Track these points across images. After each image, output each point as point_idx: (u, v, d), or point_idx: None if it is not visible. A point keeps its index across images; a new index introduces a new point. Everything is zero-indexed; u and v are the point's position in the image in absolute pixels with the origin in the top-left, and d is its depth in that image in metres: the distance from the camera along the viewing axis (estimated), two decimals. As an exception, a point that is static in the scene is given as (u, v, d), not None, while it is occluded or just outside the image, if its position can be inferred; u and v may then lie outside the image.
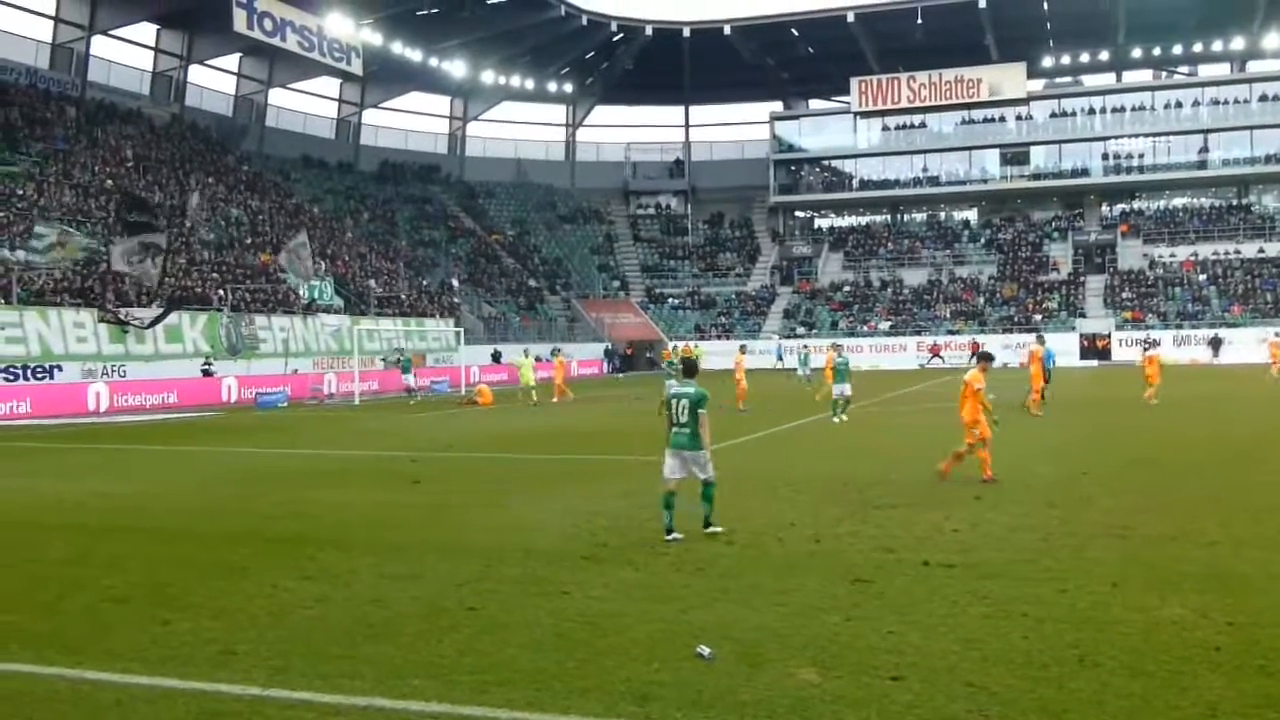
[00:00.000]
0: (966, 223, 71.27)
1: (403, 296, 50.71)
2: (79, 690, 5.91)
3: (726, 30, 66.49)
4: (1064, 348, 41.10)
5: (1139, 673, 5.82)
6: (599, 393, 39.14)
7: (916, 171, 70.95)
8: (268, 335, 39.44)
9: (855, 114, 70.33)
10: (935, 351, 56.14)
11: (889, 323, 61.64)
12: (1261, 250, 59.96)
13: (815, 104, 76.71)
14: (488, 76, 66.73)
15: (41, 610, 7.72)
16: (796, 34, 67.66)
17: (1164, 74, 69.63)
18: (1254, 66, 66.25)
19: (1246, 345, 50.24)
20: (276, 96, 62.97)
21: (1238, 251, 60.75)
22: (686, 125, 78.23)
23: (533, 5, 60.43)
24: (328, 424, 26.68)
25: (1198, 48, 66.05)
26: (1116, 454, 16.25)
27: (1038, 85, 69.80)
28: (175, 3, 51.82)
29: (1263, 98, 63.87)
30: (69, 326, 32.63)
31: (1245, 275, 58.83)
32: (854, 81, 68.68)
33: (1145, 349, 32.39)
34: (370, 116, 69.47)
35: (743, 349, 30.18)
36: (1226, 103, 64.71)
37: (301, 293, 43.50)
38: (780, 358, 55.75)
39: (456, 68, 63.31)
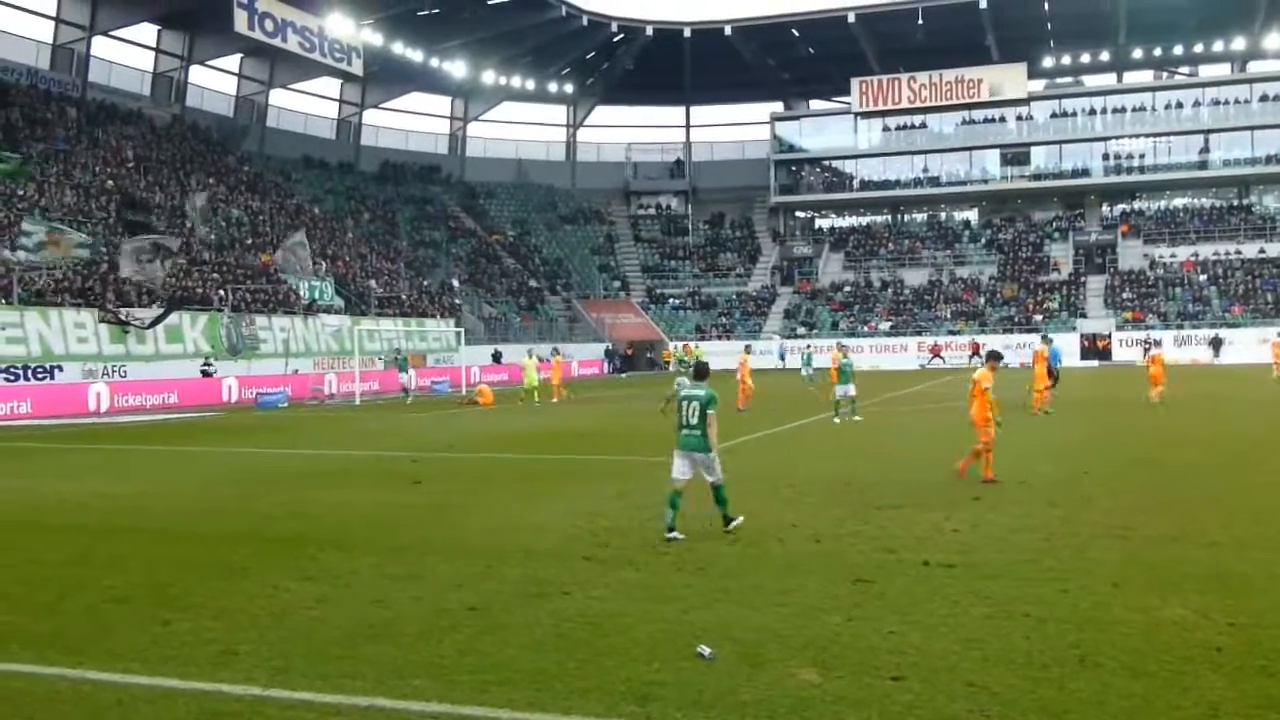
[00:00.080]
0: (967, 223, 71.28)
1: (403, 297, 50.73)
2: (80, 690, 5.91)
3: (727, 30, 66.50)
4: (1064, 348, 41.02)
5: (1140, 673, 5.81)
6: (599, 393, 39.13)
7: (917, 172, 70.96)
8: (268, 335, 39.44)
9: (856, 114, 70.33)
10: (936, 352, 56.14)
11: (889, 323, 61.64)
12: (1262, 251, 59.95)
13: (816, 104, 76.72)
14: (488, 77, 66.76)
15: (42, 610, 7.72)
16: (797, 34, 67.67)
17: (1165, 74, 69.62)
18: (1255, 67, 66.24)
19: (1247, 345, 50.23)
20: (277, 97, 63.02)
21: (1238, 252, 60.75)
22: (687, 125, 78.27)
23: (533, 6, 60.44)
24: (328, 424, 26.69)
25: (1198, 48, 66.05)
26: (1117, 454, 16.25)
27: (1038, 85, 69.81)
28: (176, 3, 51.83)
29: (1263, 98, 63.86)
30: (69, 327, 32.64)
31: (1246, 275, 58.82)
32: (855, 82, 68.69)
33: (1147, 349, 32.42)
34: (371, 117, 69.53)
35: (747, 349, 30.12)
36: (1227, 103, 64.70)
37: (302, 292, 43.52)
38: (782, 358, 55.80)
39: (457, 68, 63.34)
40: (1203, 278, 59.52)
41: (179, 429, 25.79)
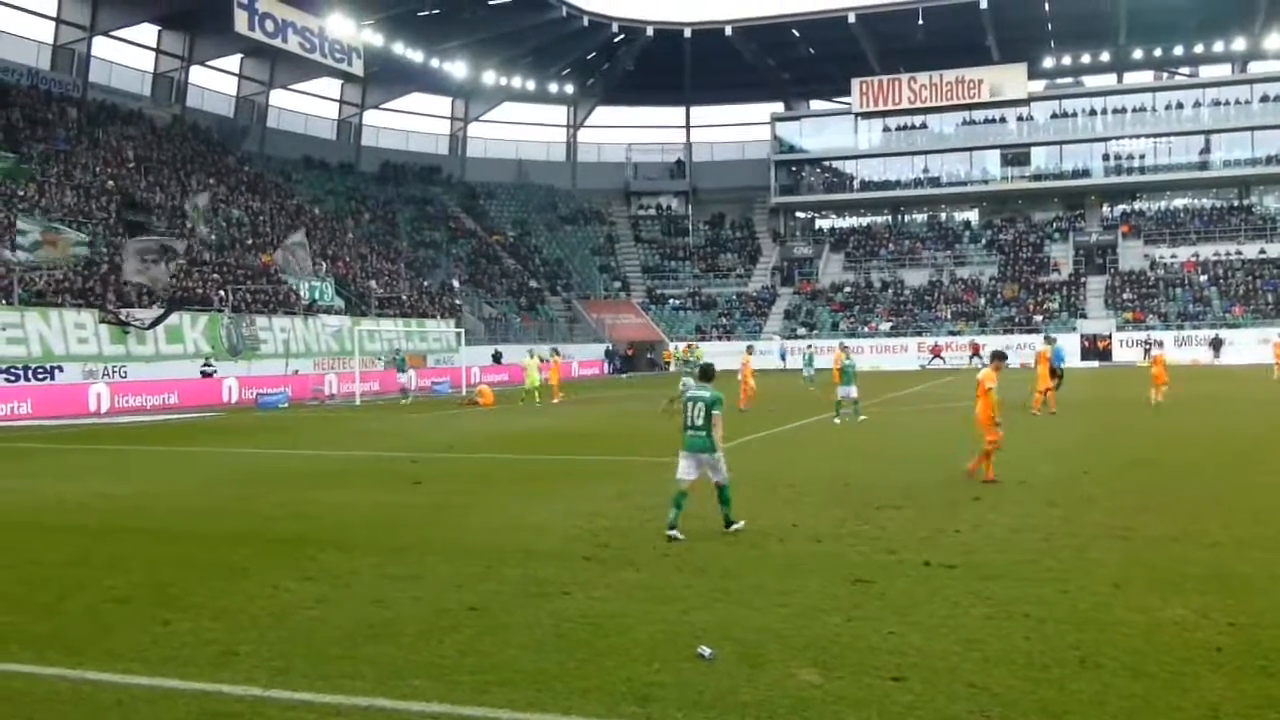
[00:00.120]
0: (967, 223, 71.28)
1: (403, 297, 50.73)
2: (80, 691, 5.91)
3: (727, 31, 66.50)
4: (1065, 348, 40.96)
5: (1141, 674, 5.81)
6: (600, 394, 39.12)
7: (917, 172, 70.96)
8: (268, 336, 39.44)
9: (856, 115, 70.33)
10: (936, 352, 56.13)
11: (890, 324, 61.63)
12: (1263, 251, 59.94)
13: (816, 105, 76.71)
14: (489, 77, 66.77)
15: (42, 611, 7.72)
16: (797, 35, 67.66)
17: (1165, 75, 69.62)
18: (1255, 67, 66.22)
19: (1248, 346, 50.21)
20: (277, 97, 63.03)
21: (1239, 252, 60.74)
22: (687, 126, 78.27)
23: (534, 6, 60.44)
24: (328, 425, 26.69)
25: (1199, 49, 66.02)
26: (1118, 454, 16.25)
27: (1039, 86, 69.80)
28: (176, 4, 51.82)
29: (1264, 99, 63.86)
30: (70, 327, 32.64)
31: (1246, 276, 58.81)
32: (855, 82, 68.68)
33: (1147, 349, 32.43)
34: (371, 117, 69.54)
35: (750, 350, 30.06)
36: (1227, 103, 64.71)
37: (302, 293, 43.52)
38: (783, 358, 55.79)
39: (457, 69, 63.33)
40: (1203, 278, 59.51)
41: (179, 429, 25.79)
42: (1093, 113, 67.81)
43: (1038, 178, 68.72)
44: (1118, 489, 12.51)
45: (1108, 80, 69.87)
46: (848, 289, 66.90)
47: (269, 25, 51.00)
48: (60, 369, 31.75)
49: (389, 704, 5.56)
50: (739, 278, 70.98)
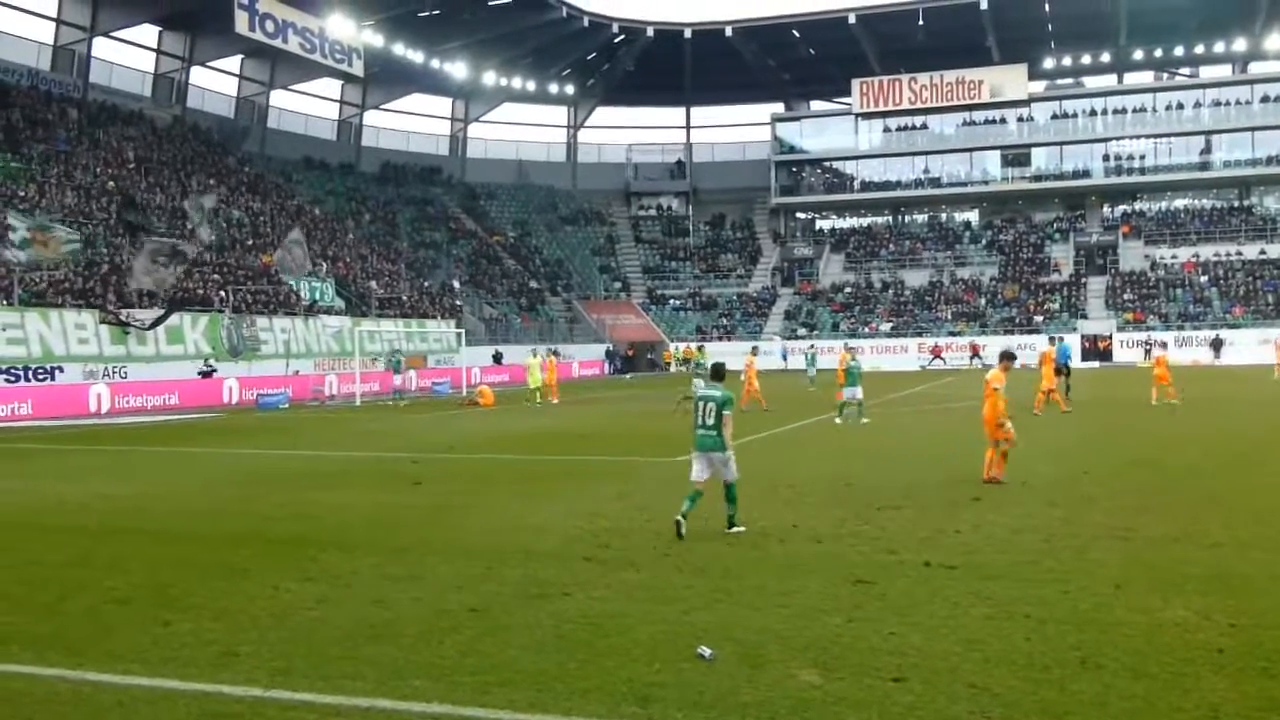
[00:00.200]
0: (968, 224, 71.29)
1: (404, 298, 50.74)
2: (80, 691, 5.91)
3: (728, 31, 66.52)
4: (1070, 347, 41.13)
5: (1141, 674, 5.81)
6: (600, 394, 39.12)
7: (918, 173, 70.97)
8: (269, 337, 39.45)
9: (856, 115, 70.35)
10: (937, 353, 56.14)
11: (890, 324, 61.64)
12: (1263, 252, 59.94)
13: (816, 105, 76.73)
14: (489, 78, 66.77)
15: (43, 611, 7.71)
16: (798, 35, 67.68)
17: (1165, 75, 69.63)
18: (1256, 68, 66.22)
19: (1248, 346, 50.22)
20: (278, 98, 63.04)
21: (1239, 253, 60.74)
22: (688, 126, 78.29)
23: (534, 7, 60.45)
24: (329, 425, 26.69)
25: (1199, 49, 66.03)
26: (1118, 454, 16.25)
27: (1039, 86, 69.82)
28: (177, 4, 51.83)
29: (1264, 99, 63.89)
30: (70, 328, 32.64)
31: (1247, 277, 58.82)
32: (855, 83, 68.70)
33: (1148, 350, 32.43)
34: (372, 118, 69.55)
35: (754, 351, 30.03)
36: (1228, 104, 64.73)
37: (303, 293, 43.52)
38: (784, 358, 55.84)
39: (458, 69, 63.34)
40: (1204, 279, 59.51)
41: (180, 430, 25.79)
42: (1093, 113, 67.83)
43: (1038, 178, 68.73)
44: (1118, 489, 12.50)
45: (1108, 81, 69.88)
46: (848, 289, 66.91)
47: (269, 26, 51.02)
48: (61, 369, 31.75)
49: (389, 704, 5.55)
50: (739, 278, 70.99)
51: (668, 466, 15.78)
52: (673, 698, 5.56)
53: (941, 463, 15.26)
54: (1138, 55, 67.60)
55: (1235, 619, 6.81)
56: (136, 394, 32.23)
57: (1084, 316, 58.96)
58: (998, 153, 69.29)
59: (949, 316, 61.47)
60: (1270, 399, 28.00)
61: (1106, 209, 68.08)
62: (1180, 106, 65.73)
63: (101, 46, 51.75)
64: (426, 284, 55.79)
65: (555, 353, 41.93)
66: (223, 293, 39.06)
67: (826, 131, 73.63)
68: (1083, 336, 56.05)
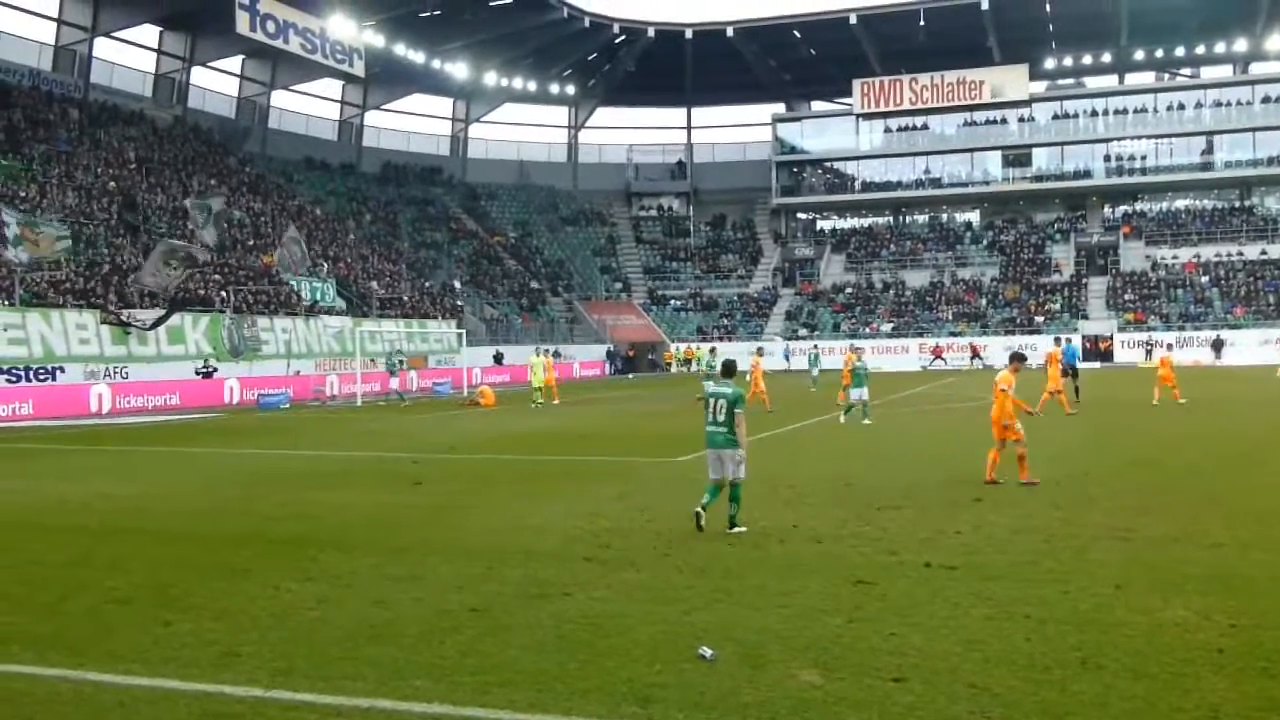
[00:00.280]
0: (969, 224, 71.28)
1: (405, 298, 50.76)
2: (81, 691, 5.91)
3: (729, 32, 66.53)
4: (1075, 347, 41.03)
5: (1142, 675, 5.81)
6: (601, 395, 39.12)
7: (918, 173, 70.96)
8: (270, 337, 39.47)
9: (857, 116, 70.37)
10: (937, 353, 56.14)
11: (891, 324, 61.64)
12: (1264, 252, 59.92)
13: (817, 106, 76.73)
14: (490, 78, 66.80)
15: (44, 611, 7.72)
16: (799, 36, 67.69)
17: (1166, 76, 69.63)
18: (1257, 68, 66.22)
19: (1249, 347, 50.20)
20: (279, 98, 63.05)
21: (1240, 253, 60.72)
22: (689, 127, 78.31)
23: (535, 7, 60.46)
24: (330, 425, 26.70)
25: (1200, 49, 66.03)
26: (1118, 455, 16.25)
27: (1040, 87, 69.82)
28: (178, 5, 51.85)
29: (1265, 99, 63.90)
30: (71, 328, 32.66)
31: (1248, 277, 58.81)
32: (856, 83, 68.72)
33: (1148, 350, 32.39)
34: (372, 118, 69.55)
35: (760, 351, 29.97)
36: (1229, 104, 64.73)
37: (304, 294, 43.53)
38: (787, 358, 55.86)
39: (459, 70, 63.36)
40: (1204, 279, 59.50)
41: (181, 430, 25.81)
42: (1094, 114, 67.82)
43: (1039, 179, 68.73)
44: (1119, 490, 12.50)
45: (1109, 81, 69.88)
46: (849, 290, 66.91)
47: (270, 26, 51.04)
48: (62, 370, 31.77)
49: (390, 705, 5.56)
50: (740, 279, 70.99)
51: (668, 467, 15.80)
52: (673, 698, 5.56)
53: (942, 463, 15.27)
54: (1139, 55, 67.61)
55: (1236, 619, 6.81)
56: (137, 394, 32.25)
57: (1085, 317, 58.95)
58: (999, 153, 69.29)
59: (950, 317, 61.47)
60: (1271, 399, 27.99)
61: (1107, 209, 68.07)
62: (1181, 107, 65.73)
63: (102, 47, 51.80)
64: (427, 284, 55.81)
65: (556, 353, 41.91)
66: (224, 293, 39.09)
67: (827, 132, 73.65)
68: (1084, 337, 55.96)
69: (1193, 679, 5.73)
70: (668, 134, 78.91)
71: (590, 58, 71.31)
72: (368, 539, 10.33)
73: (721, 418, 10.17)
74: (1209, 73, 68.64)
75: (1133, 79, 69.31)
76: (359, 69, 57.08)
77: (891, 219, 72.93)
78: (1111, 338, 56.14)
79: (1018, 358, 13.87)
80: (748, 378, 26.92)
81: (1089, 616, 6.98)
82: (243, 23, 49.40)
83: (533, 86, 70.40)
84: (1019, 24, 63.67)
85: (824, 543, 9.67)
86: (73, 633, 7.10)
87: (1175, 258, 61.79)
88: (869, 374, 23.05)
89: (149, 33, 54.44)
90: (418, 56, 60.39)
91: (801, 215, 74.71)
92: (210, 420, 29.09)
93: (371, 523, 11.34)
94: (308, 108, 65.70)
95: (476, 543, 10.08)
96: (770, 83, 72.79)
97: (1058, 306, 60.46)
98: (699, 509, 10.11)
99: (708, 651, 6.22)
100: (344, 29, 54.81)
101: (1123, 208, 67.74)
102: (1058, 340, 27.49)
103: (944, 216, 72.20)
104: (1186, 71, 69.46)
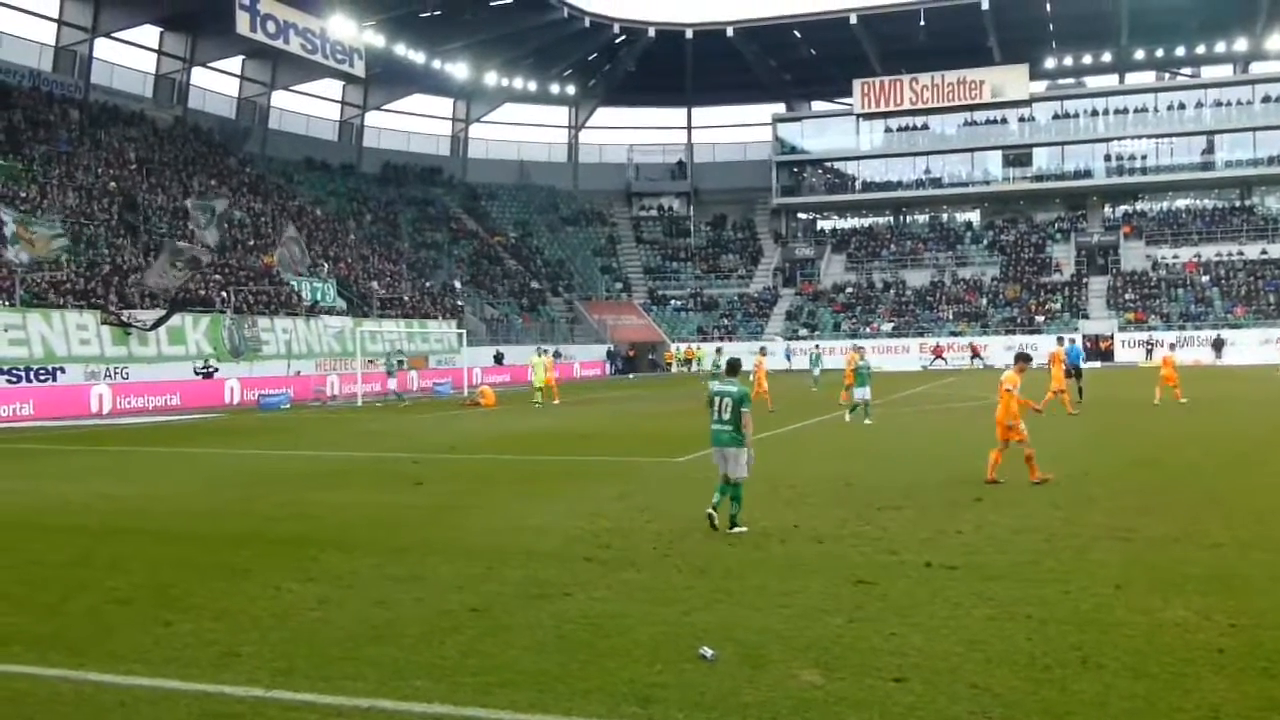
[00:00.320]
0: (969, 224, 71.28)
1: (405, 298, 50.77)
2: (81, 692, 5.91)
3: (729, 32, 66.53)
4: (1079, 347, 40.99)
5: (1142, 674, 5.81)
6: (602, 395, 39.12)
7: (919, 173, 70.96)
8: (270, 337, 39.47)
9: (858, 116, 70.36)
10: (938, 353, 56.14)
11: (891, 324, 61.64)
12: (1264, 252, 59.92)
13: (818, 106, 76.73)
14: (490, 78, 66.80)
15: (44, 611, 7.72)
16: (799, 36, 67.68)
17: (1167, 75, 69.62)
18: (1257, 68, 66.22)
19: (1249, 346, 50.19)
20: (279, 99, 63.05)
21: (1240, 253, 60.71)
22: (689, 127, 78.31)
23: (535, 7, 60.46)
24: (330, 425, 26.71)
25: (1201, 49, 66.03)
26: (1119, 455, 16.24)
27: (1040, 87, 69.82)
28: (178, 5, 51.85)
29: (1266, 99, 63.90)
30: (72, 328, 32.67)
31: (1248, 277, 58.80)
32: (856, 83, 68.72)
33: (1149, 350, 32.38)
34: (373, 118, 69.56)
35: (763, 351, 29.92)
36: (1230, 104, 64.72)
37: (304, 294, 43.53)
38: (788, 358, 55.84)
39: (459, 70, 63.36)
40: (1205, 279, 59.49)
41: (181, 430, 25.81)
42: (1094, 113, 67.82)
43: (1039, 178, 68.73)
44: (1119, 489, 12.50)
45: (1109, 81, 69.88)
46: (849, 290, 66.90)
47: (270, 27, 51.05)
48: (62, 370, 31.77)
49: (391, 705, 5.56)
50: (740, 279, 71.00)
51: (669, 467, 15.80)
52: (674, 698, 5.56)
53: (943, 463, 15.27)
54: (1139, 55, 67.60)
55: (1236, 619, 6.81)
56: (138, 394, 32.26)
57: (1085, 316, 58.94)
58: (999, 153, 69.28)
59: (950, 317, 61.46)
60: (1271, 399, 27.98)
61: (1108, 209, 68.06)
62: (1182, 106, 65.72)
63: (103, 47, 51.81)
64: (428, 284, 55.82)
65: (557, 353, 41.92)
66: (224, 293, 39.09)
67: (828, 132, 73.64)
68: (1084, 336, 55.88)
69: (1193, 679, 5.73)
70: (668, 134, 79.05)
71: (590, 58, 71.32)
72: (368, 539, 10.33)
73: (727, 416, 10.18)
74: (1209, 72, 68.64)
75: (1133, 79, 69.32)
76: (359, 69, 57.09)
77: (892, 219, 72.94)
78: (1112, 337, 56.13)
79: (1023, 358, 13.92)
80: (751, 377, 26.92)
81: (1089, 616, 6.98)
82: (243, 23, 49.41)
83: (533, 86, 70.41)
84: (1019, 24, 63.66)
85: (825, 543, 9.67)
86: (73, 633, 7.11)
87: (1176, 257, 61.78)
88: (871, 373, 22.99)
89: (149, 33, 54.48)
90: (418, 57, 60.39)
91: (802, 215, 74.71)
92: (211, 421, 29.09)
93: (372, 523, 11.34)
94: (308, 108, 65.81)
95: (477, 543, 10.08)
96: (770, 83, 72.79)
97: (1058, 306, 60.45)
98: (711, 510, 10.12)
99: (708, 652, 6.23)
100: (344, 29, 54.82)
101: (1123, 207, 67.74)
102: (1060, 340, 27.43)
103: (944, 216, 72.19)
104: (1187, 71, 69.46)
